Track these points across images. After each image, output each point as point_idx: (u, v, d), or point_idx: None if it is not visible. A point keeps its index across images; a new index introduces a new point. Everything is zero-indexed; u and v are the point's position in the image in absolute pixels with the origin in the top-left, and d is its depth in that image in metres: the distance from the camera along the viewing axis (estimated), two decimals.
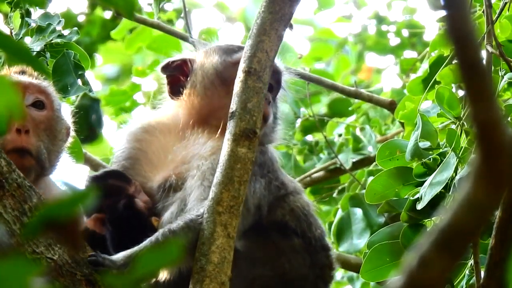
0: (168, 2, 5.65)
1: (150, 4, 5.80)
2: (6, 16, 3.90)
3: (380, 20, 7.07)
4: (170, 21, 6.11)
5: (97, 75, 8.12)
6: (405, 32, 7.02)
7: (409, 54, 6.85)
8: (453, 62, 3.74)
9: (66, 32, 3.83)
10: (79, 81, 3.70)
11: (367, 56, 7.41)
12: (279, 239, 3.65)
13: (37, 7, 3.79)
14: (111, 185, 3.62)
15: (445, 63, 3.86)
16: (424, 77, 3.99)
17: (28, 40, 3.83)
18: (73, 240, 1.91)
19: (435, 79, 3.83)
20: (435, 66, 3.95)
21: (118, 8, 2.06)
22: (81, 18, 7.48)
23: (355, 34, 7.26)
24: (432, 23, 7.00)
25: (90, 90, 3.73)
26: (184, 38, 5.38)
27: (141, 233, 3.44)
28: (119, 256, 3.30)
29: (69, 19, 7.38)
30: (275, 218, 3.67)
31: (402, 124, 4.56)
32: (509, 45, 3.85)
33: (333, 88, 5.56)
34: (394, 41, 7.05)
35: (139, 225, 3.54)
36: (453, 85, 3.75)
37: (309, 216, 3.74)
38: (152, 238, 3.37)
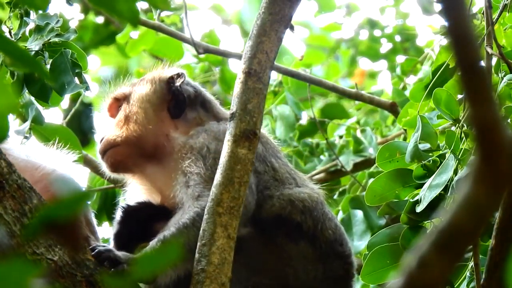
0: (165, 11, 5.64)
1: (145, 11, 5.81)
2: (4, 18, 3.89)
3: (373, 25, 7.07)
4: (173, 24, 6.11)
5: (93, 78, 8.12)
6: (398, 37, 7.02)
7: (402, 59, 6.85)
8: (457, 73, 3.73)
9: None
10: (76, 80, 3.70)
11: (360, 61, 7.41)
12: (284, 241, 3.57)
13: (37, 10, 3.79)
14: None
15: (444, 70, 3.85)
16: (427, 84, 3.99)
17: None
18: (73, 241, 1.91)
19: (437, 85, 3.82)
20: (438, 73, 3.94)
21: (123, 17, 2.06)
22: (73, 24, 7.48)
23: (348, 39, 7.27)
24: (424, 28, 7.00)
25: (87, 89, 3.72)
26: (186, 40, 5.38)
27: None
28: (123, 252, 3.33)
29: (61, 24, 7.35)
30: (275, 210, 3.59)
31: (405, 130, 4.57)
32: (511, 52, 3.84)
33: (334, 89, 5.56)
34: (386, 46, 7.06)
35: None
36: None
37: (315, 212, 3.63)
38: (152, 243, 3.39)
